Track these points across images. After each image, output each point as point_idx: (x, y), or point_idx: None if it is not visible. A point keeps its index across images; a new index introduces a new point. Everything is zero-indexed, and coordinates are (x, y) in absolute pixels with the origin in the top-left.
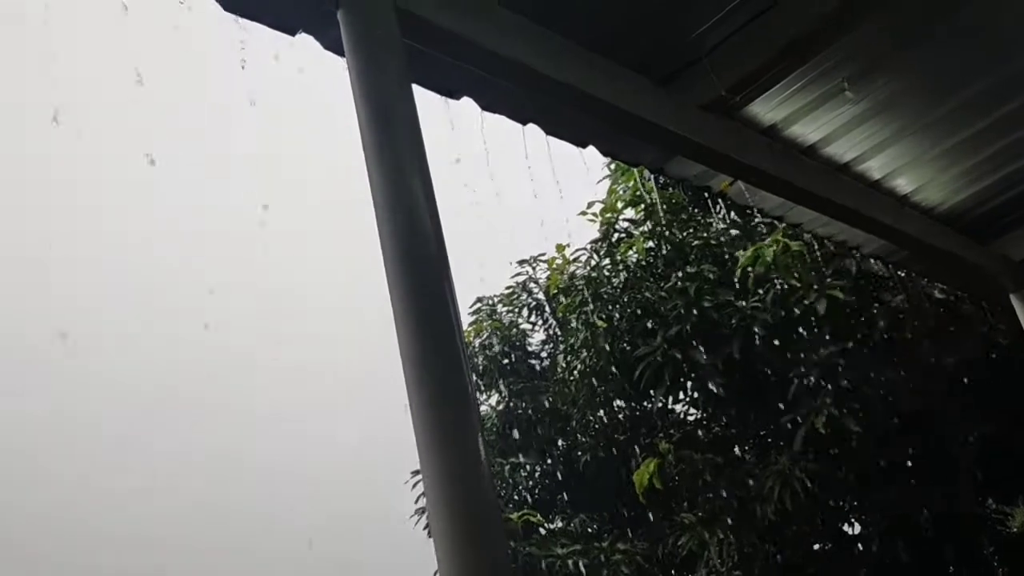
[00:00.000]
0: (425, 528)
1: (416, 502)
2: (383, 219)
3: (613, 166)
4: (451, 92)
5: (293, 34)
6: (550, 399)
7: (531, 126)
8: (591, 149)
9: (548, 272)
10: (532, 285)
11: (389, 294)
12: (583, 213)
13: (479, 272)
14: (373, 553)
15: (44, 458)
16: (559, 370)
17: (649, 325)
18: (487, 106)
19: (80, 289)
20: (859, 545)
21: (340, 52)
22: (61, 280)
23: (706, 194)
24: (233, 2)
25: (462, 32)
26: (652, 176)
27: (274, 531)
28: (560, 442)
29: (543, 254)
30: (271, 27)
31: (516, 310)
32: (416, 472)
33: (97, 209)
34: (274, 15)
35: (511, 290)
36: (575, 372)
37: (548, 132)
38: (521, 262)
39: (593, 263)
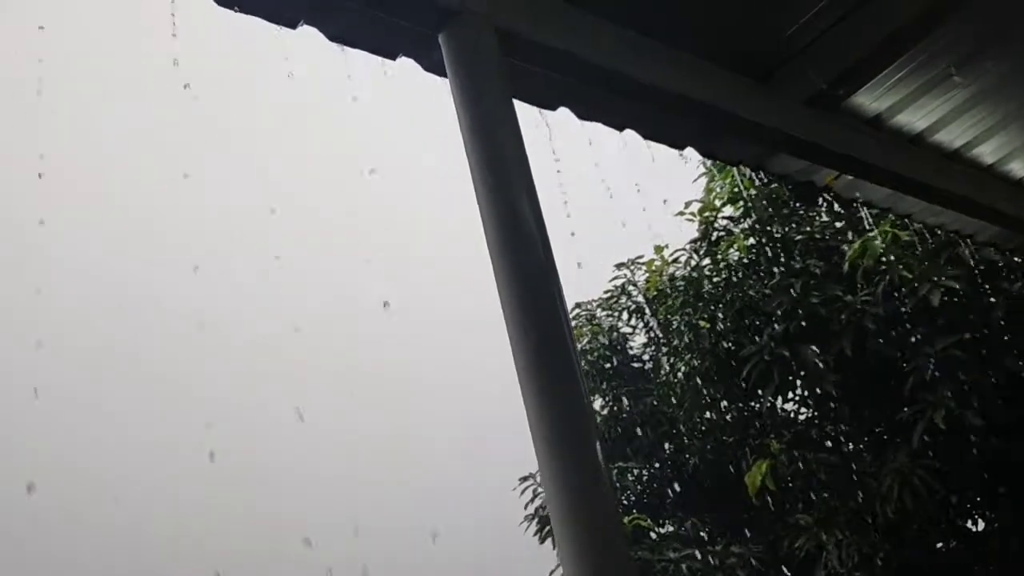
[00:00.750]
0: (536, 534)
1: (525, 508)
2: (491, 233)
3: (709, 164)
4: (548, 104)
5: (393, 58)
6: (655, 402)
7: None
8: (688, 150)
9: (647, 274)
10: (631, 288)
11: (501, 306)
12: (680, 213)
13: (577, 277)
14: (486, 556)
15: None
16: (663, 372)
17: (754, 323)
18: (584, 115)
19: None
20: (987, 542)
21: (440, 73)
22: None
23: (810, 189)
24: (339, 33)
25: (558, 45)
26: (752, 172)
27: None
28: (667, 445)
29: (640, 256)
30: (372, 53)
31: (616, 314)
32: (524, 478)
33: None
34: (376, 42)
35: (610, 294)
36: (679, 374)
37: (645, 137)
38: (619, 265)
39: (693, 263)
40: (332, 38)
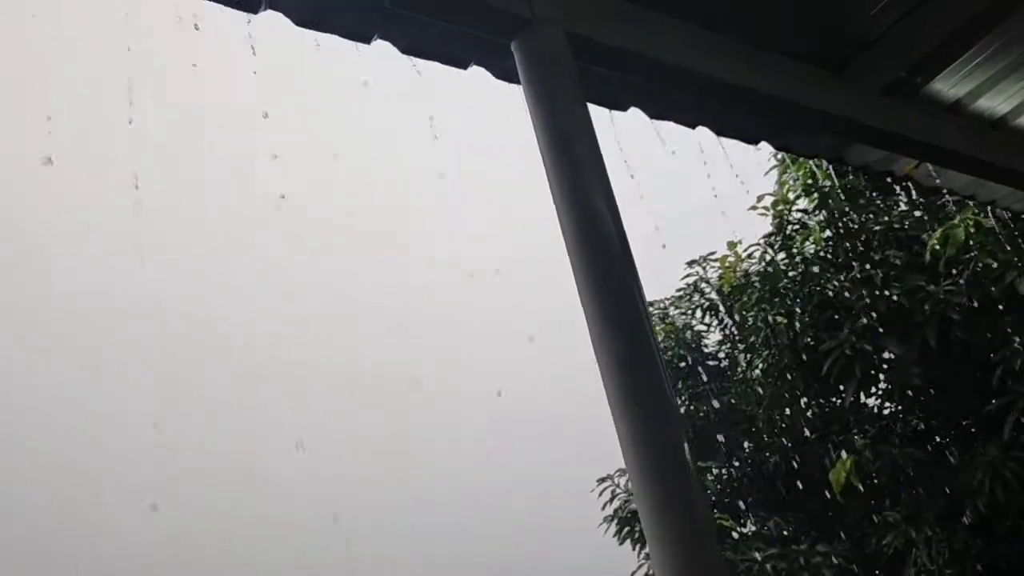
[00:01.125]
0: (615, 536)
1: (603, 509)
2: (570, 237)
3: (780, 155)
4: (619, 105)
5: (465, 68)
6: (732, 400)
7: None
8: (762, 145)
9: (720, 271)
10: (704, 285)
11: (583, 309)
12: (753, 208)
13: (647, 276)
14: (565, 559)
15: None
16: (739, 370)
17: (833, 318)
18: (655, 115)
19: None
20: None
21: (511, 80)
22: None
23: (888, 179)
24: (412, 47)
25: (626, 45)
26: (827, 164)
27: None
28: (746, 444)
29: (712, 253)
30: (444, 63)
31: (689, 312)
32: (602, 480)
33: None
34: (448, 53)
35: (682, 292)
36: (757, 371)
37: (718, 133)
38: (691, 263)
39: (768, 258)
40: (405, 51)
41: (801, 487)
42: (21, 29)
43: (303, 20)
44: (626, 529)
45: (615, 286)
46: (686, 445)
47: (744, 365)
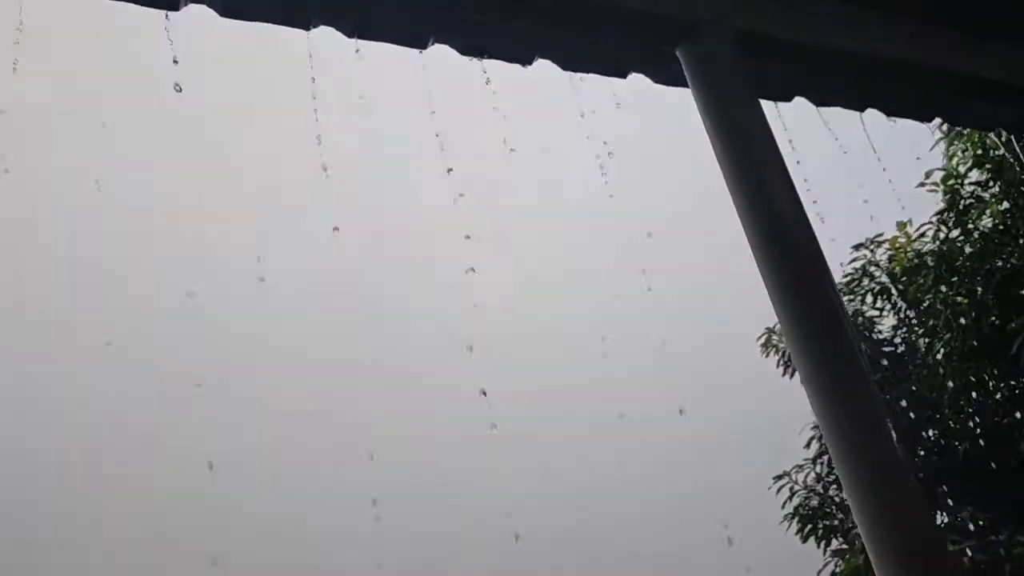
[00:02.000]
0: (797, 533)
1: (783, 507)
2: (754, 237)
3: (945, 128)
4: (783, 96)
5: (624, 77)
6: (912, 387)
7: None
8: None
9: (889, 253)
10: (873, 269)
11: (773, 307)
12: (922, 184)
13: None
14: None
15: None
16: (918, 355)
17: (1020, 294)
18: (820, 101)
19: None
20: None
21: (674, 84)
22: None
23: None
24: (573, 65)
25: (795, 37)
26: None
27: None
28: (929, 431)
29: (880, 234)
30: (604, 75)
31: (859, 297)
32: (778, 477)
33: None
34: (611, 66)
35: (849, 277)
36: (938, 355)
37: (889, 114)
38: (857, 246)
39: (942, 236)
40: (565, 68)
41: (995, 475)
42: None
43: (468, 49)
44: (808, 527)
45: (807, 287)
46: (892, 433)
47: (923, 349)
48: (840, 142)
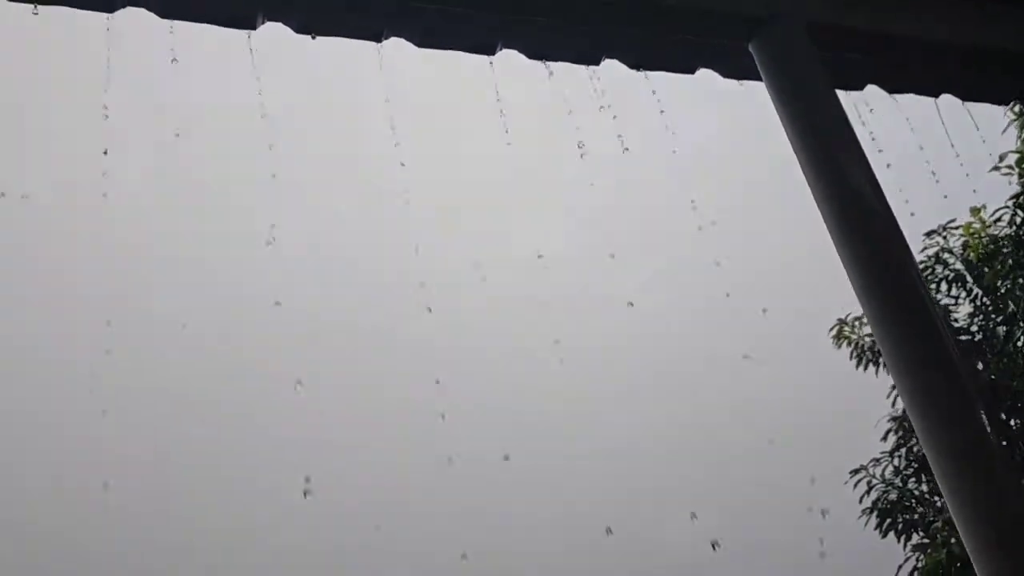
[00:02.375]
0: (876, 528)
1: (860, 501)
2: (835, 227)
3: (1018, 109)
4: (854, 85)
5: (692, 73)
6: (992, 376)
7: None
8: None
9: (963, 239)
10: (947, 256)
11: (857, 297)
12: (996, 168)
13: None
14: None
15: None
16: (997, 343)
17: None
18: (894, 89)
19: None
20: None
21: (744, 78)
22: None
23: None
24: (639, 62)
25: (865, 25)
26: None
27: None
28: (1012, 421)
29: (952, 221)
30: (672, 72)
31: (933, 285)
32: (855, 471)
33: None
34: (679, 63)
35: (923, 265)
36: (1017, 343)
37: (964, 98)
38: (928, 234)
39: (1018, 220)
40: (632, 66)
41: None
42: None
43: (534, 54)
44: (887, 521)
45: (891, 274)
46: (987, 426)
47: (1002, 338)
48: (911, 127)
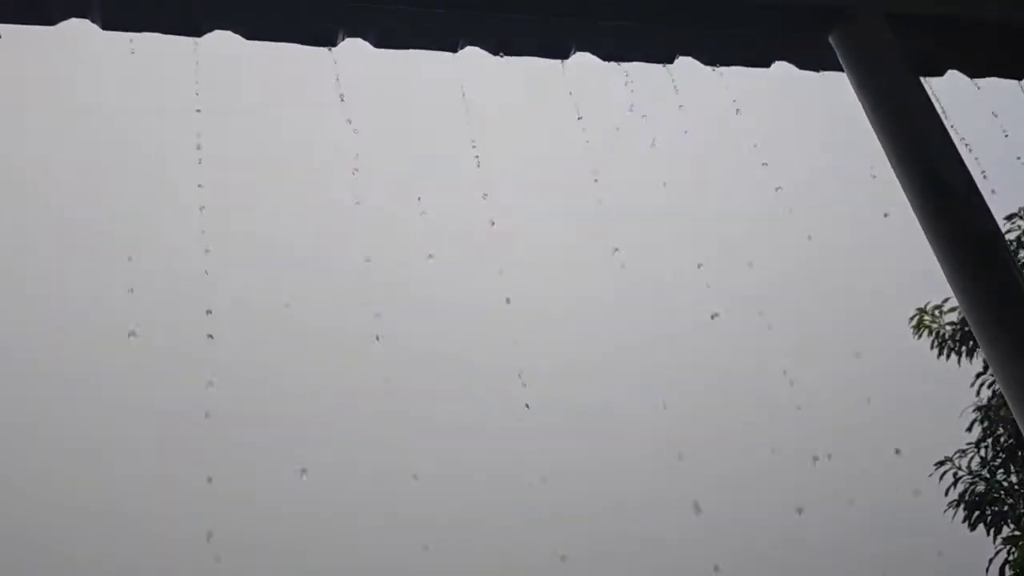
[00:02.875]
0: (964, 521)
1: (946, 494)
2: (926, 218)
3: None
4: (935, 71)
5: (768, 66)
6: None
7: None
8: None
9: None
10: None
11: (957, 299)
12: None
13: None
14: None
15: None
16: None
17: None
18: (974, 74)
19: None
20: None
21: (822, 70)
22: None
23: None
24: (714, 60)
25: (944, 11)
26: None
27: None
28: None
29: None
30: (746, 66)
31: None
32: (940, 463)
33: None
34: (754, 58)
35: None
36: None
37: None
38: (1009, 217)
39: None
40: (707, 63)
41: None
42: None
43: (608, 56)
44: (976, 513)
45: (986, 263)
46: None
47: None
48: (993, 110)
